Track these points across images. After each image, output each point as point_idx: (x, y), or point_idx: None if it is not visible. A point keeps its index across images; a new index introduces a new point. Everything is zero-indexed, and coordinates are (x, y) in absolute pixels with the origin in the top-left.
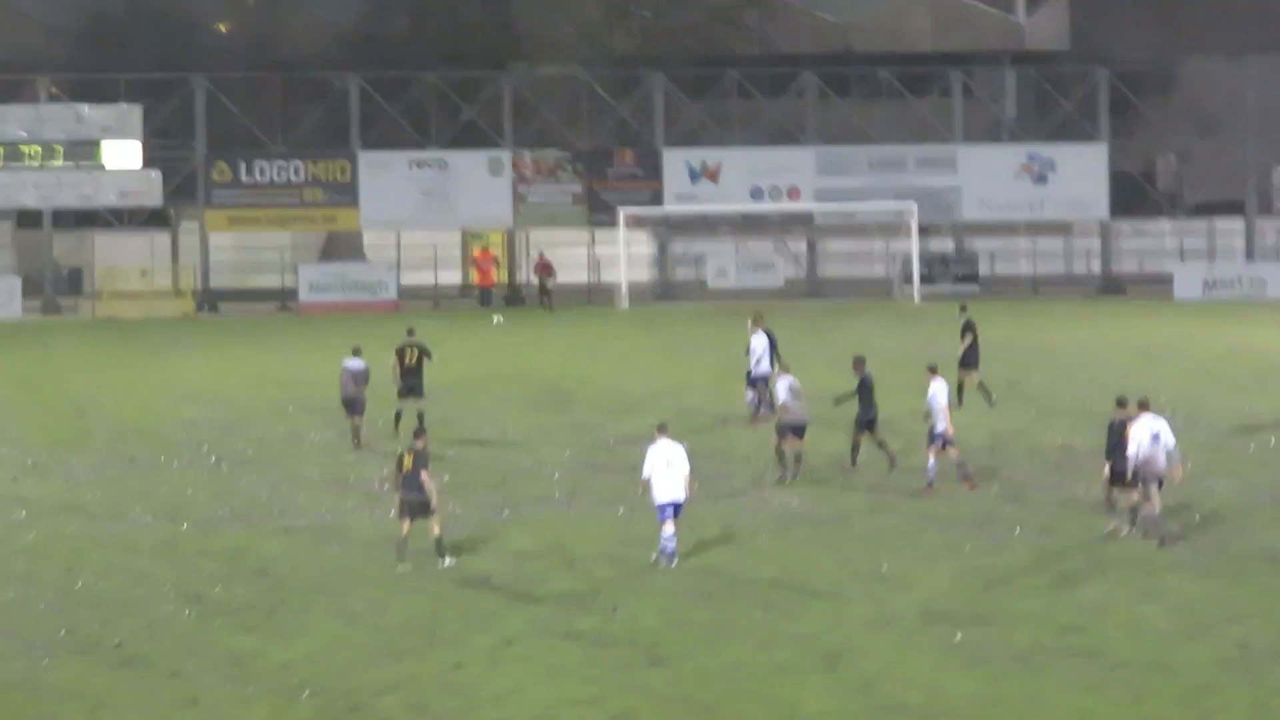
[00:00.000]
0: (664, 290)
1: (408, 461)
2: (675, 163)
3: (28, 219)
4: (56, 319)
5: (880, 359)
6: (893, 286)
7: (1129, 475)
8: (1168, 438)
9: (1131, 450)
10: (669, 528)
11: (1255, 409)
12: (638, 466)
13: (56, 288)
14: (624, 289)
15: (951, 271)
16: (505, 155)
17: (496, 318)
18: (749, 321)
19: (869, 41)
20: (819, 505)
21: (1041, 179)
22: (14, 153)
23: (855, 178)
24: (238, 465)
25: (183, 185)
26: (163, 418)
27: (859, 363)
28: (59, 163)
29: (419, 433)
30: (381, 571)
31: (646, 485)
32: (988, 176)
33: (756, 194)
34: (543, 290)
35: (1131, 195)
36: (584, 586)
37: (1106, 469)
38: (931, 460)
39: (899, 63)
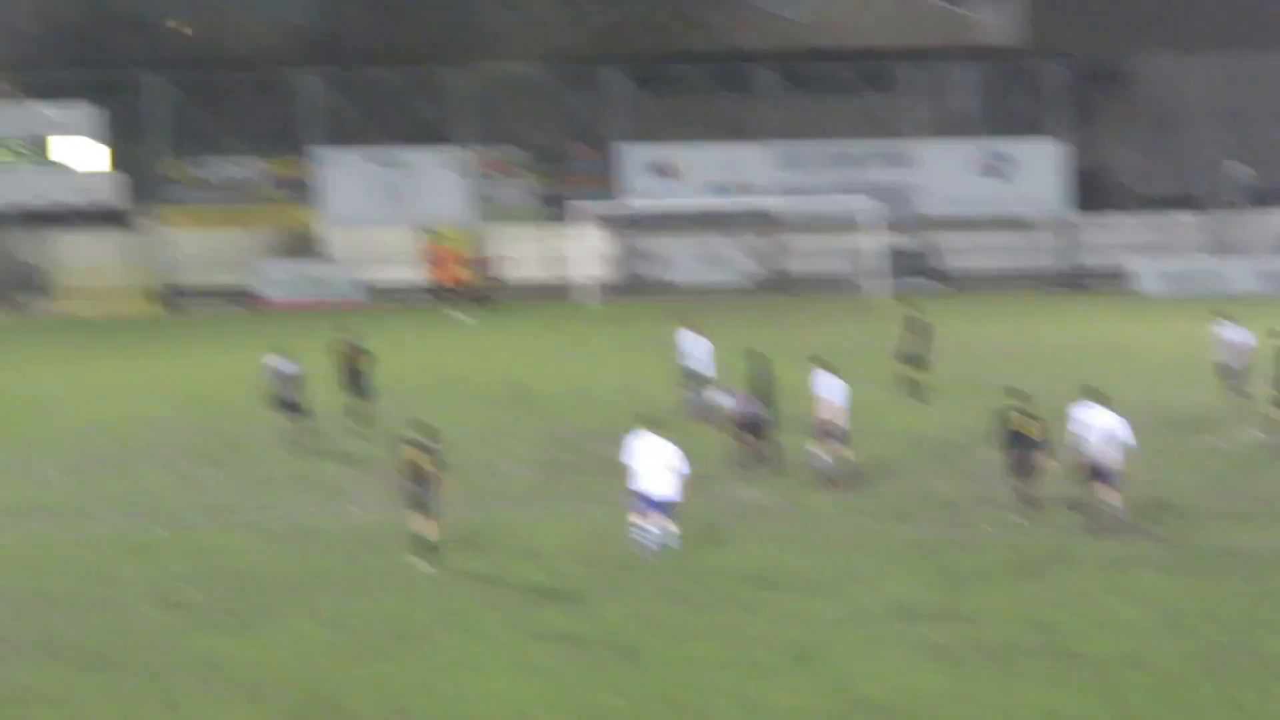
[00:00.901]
0: (627, 288)
1: (421, 460)
2: (634, 159)
3: None
4: (17, 317)
5: (845, 355)
6: (857, 281)
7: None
8: (1125, 432)
9: (1091, 438)
10: (654, 519)
11: (1221, 404)
12: (605, 464)
13: (16, 286)
14: (595, 286)
15: (913, 266)
16: (465, 152)
17: (460, 315)
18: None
19: (828, 38)
20: (790, 503)
21: (1001, 175)
22: None
23: (814, 174)
24: (206, 465)
25: (142, 184)
26: (129, 416)
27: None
28: (11, 159)
29: (425, 437)
30: (353, 571)
31: (635, 478)
32: (947, 172)
33: (716, 190)
34: (481, 286)
35: (1090, 190)
36: (555, 584)
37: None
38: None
39: (858, 59)
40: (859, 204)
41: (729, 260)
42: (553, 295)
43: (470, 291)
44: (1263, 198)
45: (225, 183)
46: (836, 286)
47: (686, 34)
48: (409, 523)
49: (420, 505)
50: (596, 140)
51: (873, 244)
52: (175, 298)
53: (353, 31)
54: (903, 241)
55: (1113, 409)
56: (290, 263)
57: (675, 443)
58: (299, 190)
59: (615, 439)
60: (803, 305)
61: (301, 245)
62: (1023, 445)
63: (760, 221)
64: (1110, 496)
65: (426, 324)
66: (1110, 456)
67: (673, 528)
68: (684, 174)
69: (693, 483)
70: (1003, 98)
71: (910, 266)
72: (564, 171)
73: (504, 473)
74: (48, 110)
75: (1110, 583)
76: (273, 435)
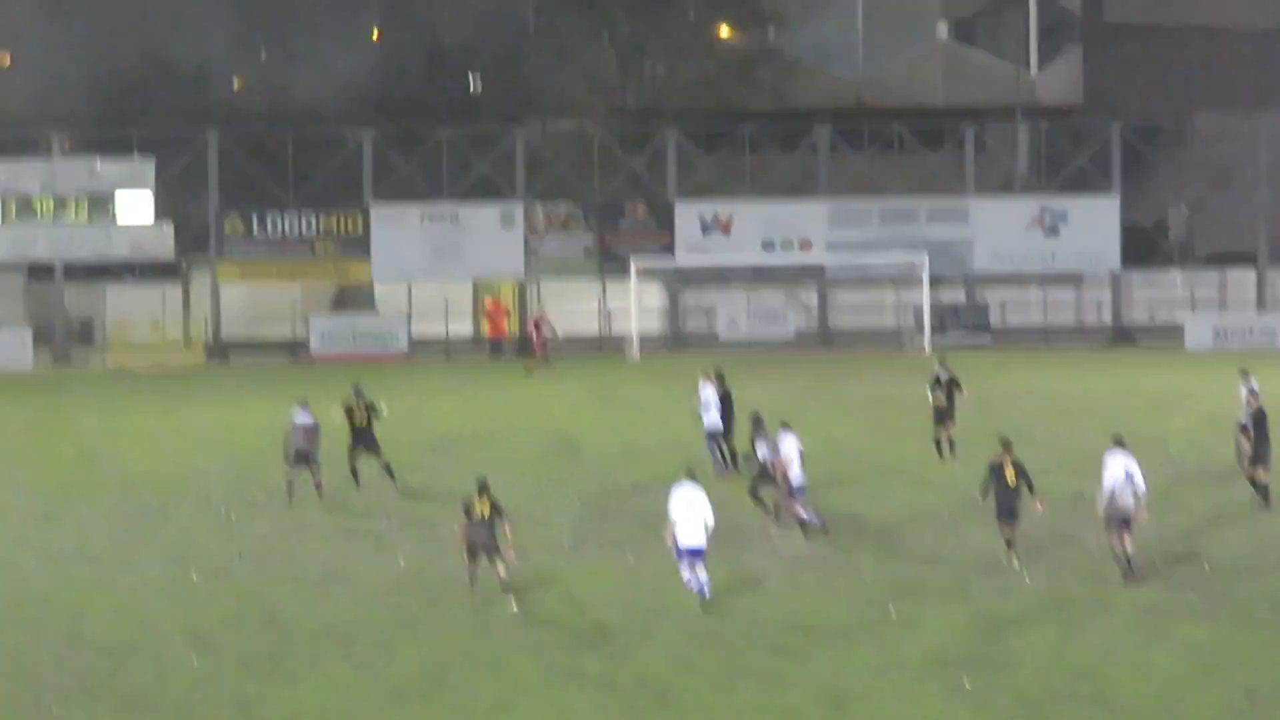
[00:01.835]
0: (674, 342)
1: (482, 509)
2: (687, 215)
3: (39, 271)
4: (67, 370)
5: (889, 407)
6: (903, 337)
7: (1101, 512)
8: (1138, 479)
9: (1107, 485)
10: (690, 571)
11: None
12: (647, 514)
13: (67, 339)
14: (635, 340)
15: (962, 322)
16: (517, 208)
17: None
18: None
19: (882, 97)
20: (829, 551)
21: (1053, 231)
22: (25, 206)
23: (867, 230)
24: (247, 513)
25: (195, 238)
26: (173, 466)
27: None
28: (72, 216)
29: (484, 487)
30: (390, 617)
31: (672, 528)
32: (999, 229)
33: (768, 246)
34: (533, 345)
35: (1143, 246)
36: (591, 629)
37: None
38: (803, 513)
39: (912, 117)
40: (907, 259)
41: (778, 315)
42: (604, 349)
43: (523, 345)
44: None
45: (279, 237)
46: (884, 341)
47: (742, 92)
48: (481, 567)
49: (489, 549)
50: (652, 196)
51: (920, 299)
52: (223, 350)
53: (410, 88)
54: (954, 297)
55: (1133, 456)
56: (340, 316)
57: (708, 494)
58: (353, 245)
59: (659, 490)
60: (848, 359)
61: (353, 299)
62: (1006, 491)
63: (810, 276)
64: (1129, 543)
65: (477, 377)
66: (1128, 503)
67: (703, 575)
68: (736, 229)
69: (728, 530)
70: (1056, 155)
71: (960, 321)
72: (619, 227)
73: (547, 520)
74: (105, 165)
75: (1146, 630)
76: (328, 483)
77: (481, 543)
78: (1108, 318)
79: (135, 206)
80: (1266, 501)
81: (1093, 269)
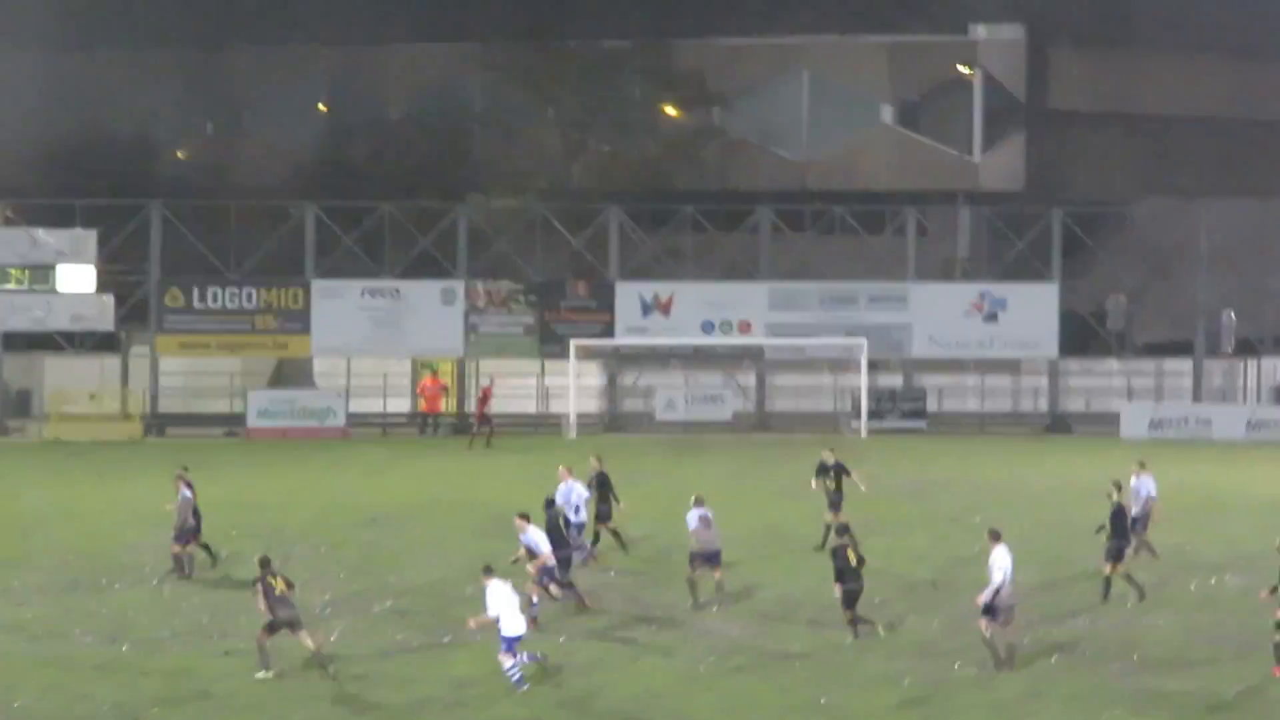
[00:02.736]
0: (612, 422)
1: (279, 585)
2: (628, 295)
3: None
4: (3, 440)
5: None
6: (840, 421)
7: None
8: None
9: (998, 579)
10: (513, 657)
11: (1198, 548)
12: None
13: (5, 409)
14: (572, 419)
15: (899, 407)
16: (458, 285)
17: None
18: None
19: (825, 179)
20: (760, 636)
21: (992, 317)
22: None
23: (807, 313)
24: (180, 587)
25: (135, 309)
26: (107, 540)
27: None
28: (12, 285)
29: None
30: (323, 692)
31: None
32: (939, 314)
33: (707, 328)
34: (482, 421)
35: (1081, 334)
36: (523, 713)
37: (837, 590)
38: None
39: (854, 200)
40: (846, 343)
41: (716, 396)
42: (542, 427)
43: (459, 424)
44: (1253, 346)
45: (220, 309)
46: (821, 424)
47: (686, 171)
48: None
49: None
50: (593, 275)
51: (859, 383)
52: (160, 423)
53: (354, 162)
54: (891, 381)
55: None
56: (278, 391)
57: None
58: (293, 319)
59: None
60: (784, 442)
61: (292, 374)
62: (851, 576)
63: (749, 358)
64: (1012, 634)
65: (413, 454)
66: (1009, 595)
67: (524, 658)
68: (676, 310)
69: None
70: (998, 240)
71: (897, 407)
72: (559, 306)
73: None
74: (47, 236)
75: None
76: (241, 559)
77: (287, 618)
78: (1044, 405)
79: (76, 277)
80: (1127, 591)
81: (1031, 356)
